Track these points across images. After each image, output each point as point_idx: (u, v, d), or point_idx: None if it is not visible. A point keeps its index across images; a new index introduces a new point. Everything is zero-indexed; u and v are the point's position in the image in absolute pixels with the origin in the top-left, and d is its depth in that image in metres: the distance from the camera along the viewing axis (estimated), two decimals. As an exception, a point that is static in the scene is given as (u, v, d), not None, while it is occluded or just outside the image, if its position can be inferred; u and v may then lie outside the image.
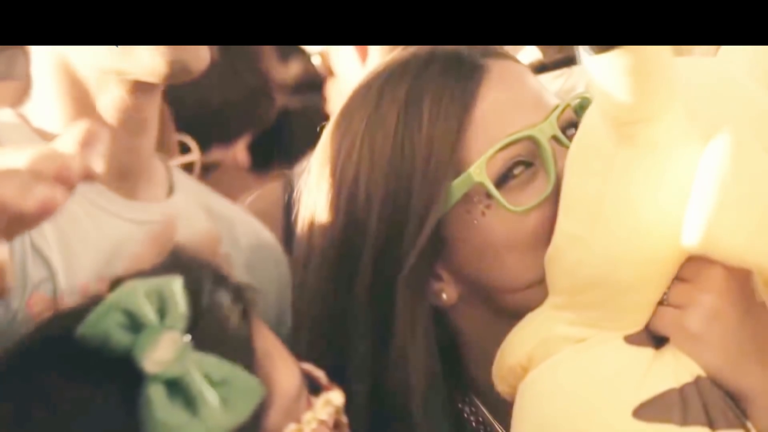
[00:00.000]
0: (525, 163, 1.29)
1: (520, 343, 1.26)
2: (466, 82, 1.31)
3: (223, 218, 1.58)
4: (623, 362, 1.19)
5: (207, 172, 2.24)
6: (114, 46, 1.33)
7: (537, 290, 1.27)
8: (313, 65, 2.53)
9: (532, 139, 1.29)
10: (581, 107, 1.33)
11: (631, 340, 1.20)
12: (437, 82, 1.31)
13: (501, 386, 1.28)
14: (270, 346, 1.03)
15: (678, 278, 1.20)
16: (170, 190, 1.51)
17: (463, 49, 1.35)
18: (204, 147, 2.24)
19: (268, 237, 1.64)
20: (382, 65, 1.38)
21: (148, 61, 1.33)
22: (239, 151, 2.29)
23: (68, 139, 0.96)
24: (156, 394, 0.92)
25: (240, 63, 2.24)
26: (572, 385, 1.20)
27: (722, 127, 1.13)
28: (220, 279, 1.05)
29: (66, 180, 0.94)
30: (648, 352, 1.20)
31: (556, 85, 1.64)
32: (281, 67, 2.40)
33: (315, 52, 2.30)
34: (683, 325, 1.19)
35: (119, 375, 0.94)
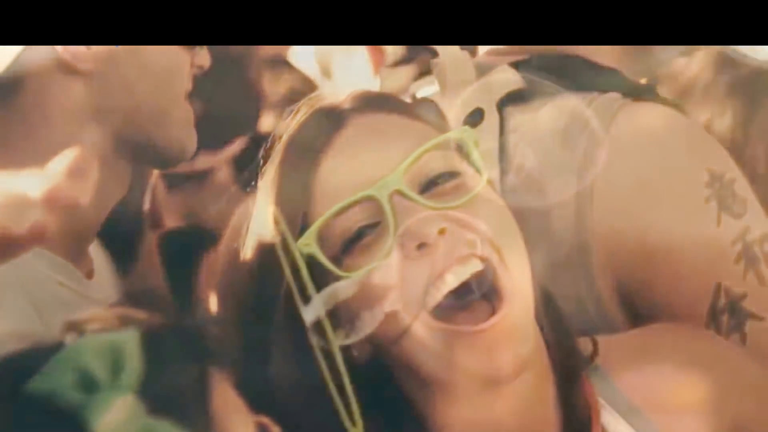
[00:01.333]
0: (370, 225, 1.23)
1: None
2: (317, 140, 1.27)
3: None
4: None
5: (198, 181, 2.22)
6: None
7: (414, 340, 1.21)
8: (300, 85, 2.51)
9: (372, 198, 1.22)
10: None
11: None
12: (304, 138, 1.29)
13: None
14: (227, 400, 0.99)
15: None
16: None
17: (342, 102, 1.31)
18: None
19: None
20: None
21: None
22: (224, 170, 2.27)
23: (58, 165, 0.95)
24: (104, 461, 0.88)
25: (228, 72, 2.21)
26: None
27: None
28: (179, 330, 1.02)
29: (53, 205, 0.93)
30: None
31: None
32: (271, 80, 2.39)
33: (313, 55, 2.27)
34: None
35: None
